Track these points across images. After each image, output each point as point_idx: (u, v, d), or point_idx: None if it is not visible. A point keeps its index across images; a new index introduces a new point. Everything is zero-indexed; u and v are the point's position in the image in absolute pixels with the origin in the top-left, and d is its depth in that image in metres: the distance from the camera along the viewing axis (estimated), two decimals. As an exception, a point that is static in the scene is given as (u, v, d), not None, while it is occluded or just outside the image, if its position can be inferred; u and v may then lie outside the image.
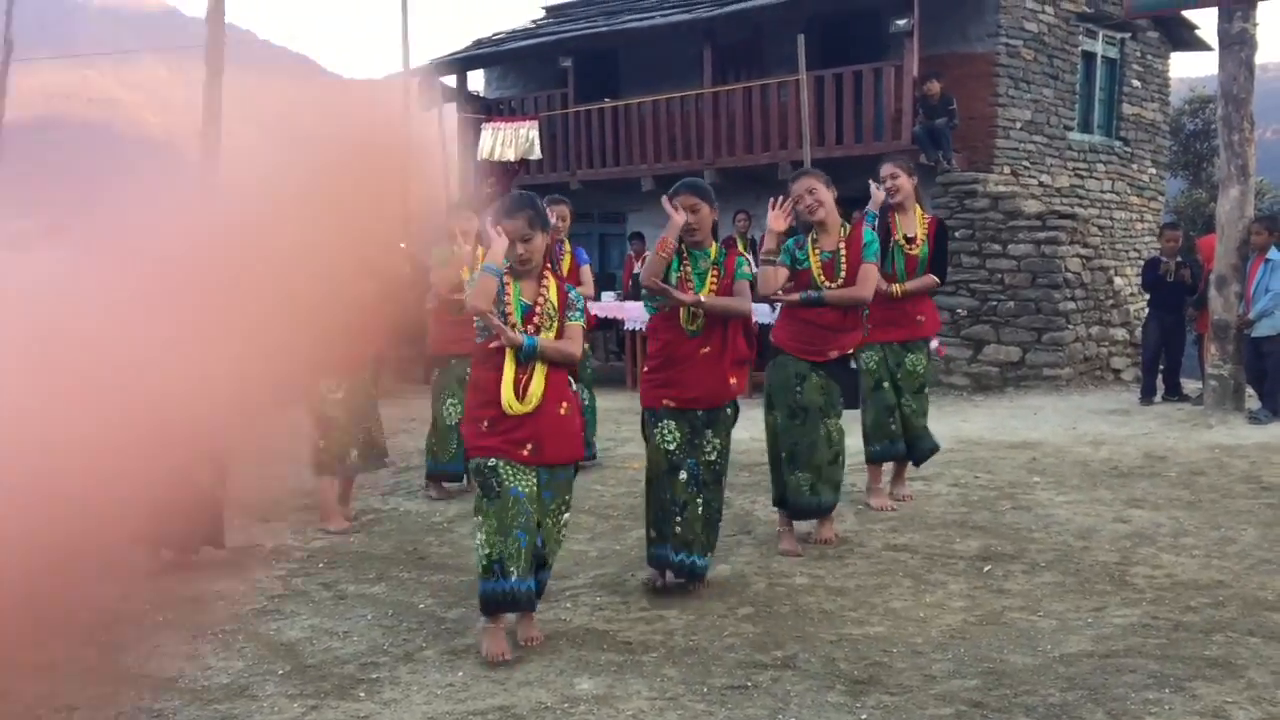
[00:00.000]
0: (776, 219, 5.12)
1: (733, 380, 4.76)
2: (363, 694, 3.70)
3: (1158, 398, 10.36)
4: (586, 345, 7.11)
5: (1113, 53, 15.21)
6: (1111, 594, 4.63)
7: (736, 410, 4.87)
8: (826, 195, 5.38)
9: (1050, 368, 11.46)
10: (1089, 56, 14.81)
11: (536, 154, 14.19)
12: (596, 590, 4.83)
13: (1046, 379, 11.42)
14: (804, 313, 5.38)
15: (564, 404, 4.14)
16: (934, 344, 6.49)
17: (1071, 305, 11.73)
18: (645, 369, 4.90)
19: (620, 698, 3.62)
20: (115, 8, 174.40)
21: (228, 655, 4.10)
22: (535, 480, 4.08)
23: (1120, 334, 12.49)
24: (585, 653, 4.04)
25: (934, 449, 6.48)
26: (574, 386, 4.27)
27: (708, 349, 4.71)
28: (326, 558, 5.45)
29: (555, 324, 4.15)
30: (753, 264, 4.93)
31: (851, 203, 6.35)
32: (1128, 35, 15.28)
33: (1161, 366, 10.55)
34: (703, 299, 4.69)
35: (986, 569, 5.02)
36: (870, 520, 5.99)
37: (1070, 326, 11.63)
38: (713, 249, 4.84)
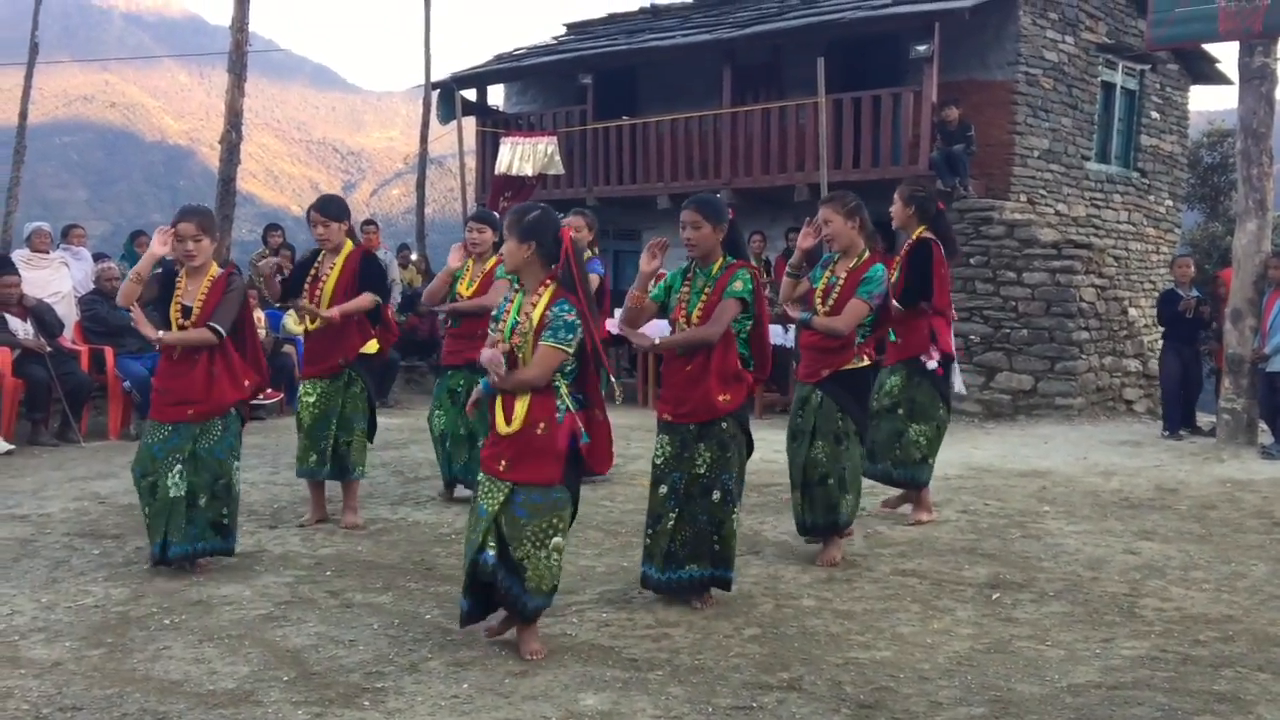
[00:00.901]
0: (804, 236, 5.47)
1: (722, 397, 4.72)
2: (367, 703, 3.70)
3: (1182, 430, 10.31)
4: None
5: (1132, 84, 15.22)
6: (1120, 625, 4.61)
7: (738, 426, 4.80)
8: (840, 226, 5.52)
9: (1062, 397, 11.43)
10: (1108, 87, 14.83)
11: (556, 169, 14.22)
12: (603, 606, 4.82)
13: (1058, 408, 11.39)
14: (802, 337, 5.66)
15: (541, 424, 4.06)
16: (929, 363, 6.42)
17: (1085, 335, 11.71)
18: (659, 387, 5.02)
19: (625, 715, 3.61)
20: (139, 14, 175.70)
21: (234, 660, 4.10)
22: (503, 498, 4.07)
23: (1133, 365, 12.46)
24: (590, 668, 4.03)
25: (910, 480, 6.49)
26: (563, 406, 4.11)
27: (690, 366, 4.77)
28: (334, 565, 5.45)
29: (529, 344, 4.10)
30: (758, 280, 4.87)
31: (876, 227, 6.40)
32: (1148, 67, 15.29)
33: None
34: (658, 341, 4.87)
35: (995, 597, 5.00)
36: (879, 544, 5.98)
37: (1083, 356, 11.61)
38: (716, 265, 4.84)
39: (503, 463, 4.08)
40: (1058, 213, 13.81)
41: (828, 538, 5.59)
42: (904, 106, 12.86)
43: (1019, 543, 6.05)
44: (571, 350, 4.07)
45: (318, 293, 6.20)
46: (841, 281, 5.50)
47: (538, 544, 4.07)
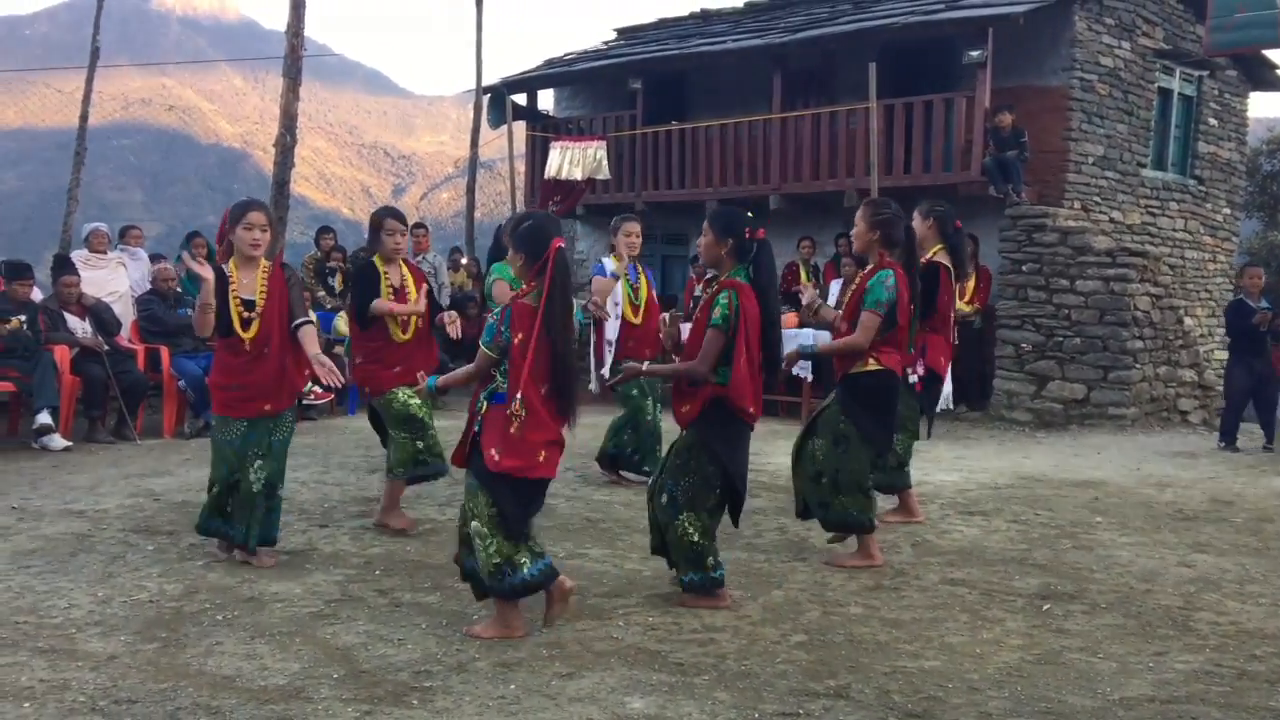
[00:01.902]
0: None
1: (683, 408, 4.89)
2: (415, 701, 3.72)
3: (1239, 443, 10.11)
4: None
5: (1190, 90, 15.00)
6: (1174, 639, 4.55)
7: (697, 438, 4.83)
8: (860, 230, 5.72)
9: (1115, 407, 11.28)
10: (1165, 93, 14.62)
11: (605, 173, 14.27)
12: (649, 610, 4.82)
13: (1111, 418, 11.24)
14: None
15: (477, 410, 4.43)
16: (911, 376, 6.41)
17: (1139, 344, 11.54)
18: None
19: (671, 719, 3.61)
20: (195, 19, 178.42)
21: (285, 657, 4.14)
22: None
23: (1189, 375, 12.27)
24: (637, 672, 4.04)
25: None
26: (483, 401, 4.40)
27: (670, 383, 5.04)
28: (382, 565, 5.50)
29: None
30: (732, 306, 4.73)
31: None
32: (1206, 73, 15.07)
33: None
34: (644, 368, 5.20)
35: (1046, 607, 4.95)
36: (927, 553, 5.94)
37: (1137, 366, 11.45)
38: (722, 278, 4.85)
39: None
40: (1112, 220, 13.63)
41: (842, 536, 5.79)
42: (956, 112, 12.76)
43: (1070, 553, 5.98)
44: (493, 352, 4.35)
45: (408, 302, 6.27)
46: (854, 288, 5.72)
47: (464, 523, 4.49)
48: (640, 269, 7.82)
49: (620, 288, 7.57)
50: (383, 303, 6.17)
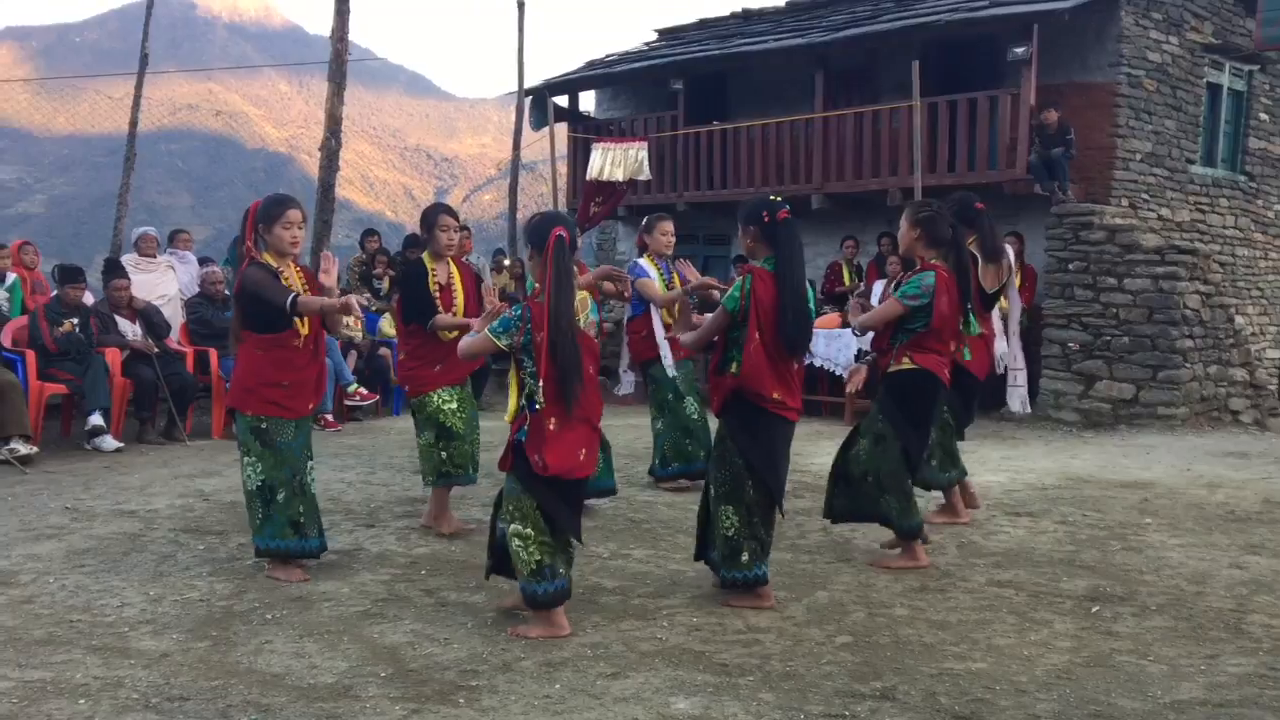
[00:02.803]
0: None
1: (713, 398, 4.97)
2: (462, 700, 3.75)
3: None
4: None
5: (1240, 85, 14.77)
6: (1226, 642, 4.48)
7: (729, 428, 4.86)
8: (903, 230, 5.75)
9: (1165, 406, 11.13)
10: (1214, 88, 14.40)
11: (646, 174, 14.26)
12: (693, 610, 4.82)
13: (1161, 418, 11.09)
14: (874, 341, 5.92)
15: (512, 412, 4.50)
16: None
17: (1189, 343, 11.38)
18: None
19: (716, 719, 3.61)
20: (241, 25, 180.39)
21: (333, 655, 4.19)
22: None
23: (1240, 374, 12.08)
24: (682, 672, 4.04)
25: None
26: (522, 404, 4.43)
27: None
28: (428, 565, 5.54)
29: None
30: (743, 290, 4.77)
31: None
32: (1256, 67, 14.83)
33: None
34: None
35: (1094, 609, 4.90)
36: (974, 555, 5.89)
37: (1187, 365, 11.28)
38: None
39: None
40: (1160, 217, 13.45)
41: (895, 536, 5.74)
42: (1001, 109, 12.64)
43: (1119, 555, 5.91)
44: (501, 342, 4.34)
45: (454, 301, 6.21)
46: (895, 285, 5.80)
47: (506, 522, 4.49)
48: (674, 268, 7.75)
49: (658, 287, 7.52)
50: (445, 317, 6.09)
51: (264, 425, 5.23)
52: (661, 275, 7.58)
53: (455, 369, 6.15)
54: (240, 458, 5.36)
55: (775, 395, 4.75)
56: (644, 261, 7.59)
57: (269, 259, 5.30)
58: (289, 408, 5.27)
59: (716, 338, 4.98)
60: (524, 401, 4.40)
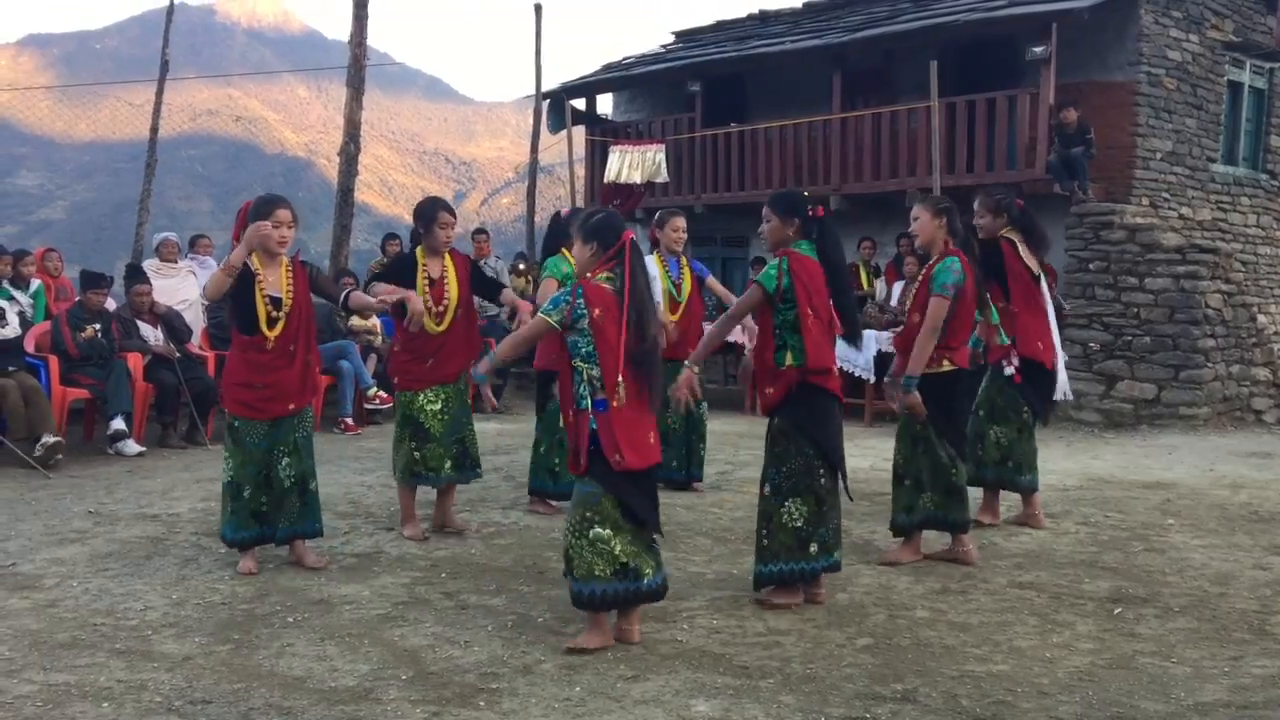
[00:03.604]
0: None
1: (767, 390, 4.92)
2: (482, 703, 3.76)
3: None
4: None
5: (1261, 83, 14.68)
6: (1250, 643, 4.45)
7: (791, 422, 4.85)
8: (926, 222, 5.64)
9: (1187, 406, 11.06)
10: (1235, 86, 14.32)
11: (664, 176, 14.28)
12: (713, 612, 4.82)
13: (1183, 418, 11.02)
14: (895, 341, 5.94)
15: (570, 414, 4.38)
16: (1007, 369, 6.45)
17: (1211, 343, 11.31)
18: None
19: (736, 722, 3.61)
20: (260, 30, 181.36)
21: (354, 658, 4.20)
22: None
23: (1263, 374, 11.99)
24: (702, 675, 4.04)
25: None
26: (585, 401, 4.28)
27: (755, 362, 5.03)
28: (449, 568, 5.56)
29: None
30: (781, 269, 4.84)
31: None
32: (1277, 65, 14.73)
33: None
34: (695, 370, 4.99)
35: (1117, 611, 4.87)
36: (994, 556, 5.87)
37: (1209, 365, 11.21)
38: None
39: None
40: (1181, 216, 13.37)
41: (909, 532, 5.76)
42: (1020, 109, 12.59)
43: (1141, 556, 5.88)
44: (552, 319, 4.26)
45: (445, 295, 6.05)
46: (920, 278, 5.71)
47: (577, 534, 4.27)
48: (684, 264, 7.69)
49: (660, 285, 7.37)
50: (360, 295, 5.88)
51: (236, 424, 5.42)
52: (668, 273, 7.52)
53: (448, 365, 6.06)
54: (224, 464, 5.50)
55: (834, 369, 4.91)
56: (650, 260, 7.48)
57: (255, 259, 5.33)
58: (260, 409, 5.36)
59: (751, 339, 5.02)
60: (581, 397, 4.27)
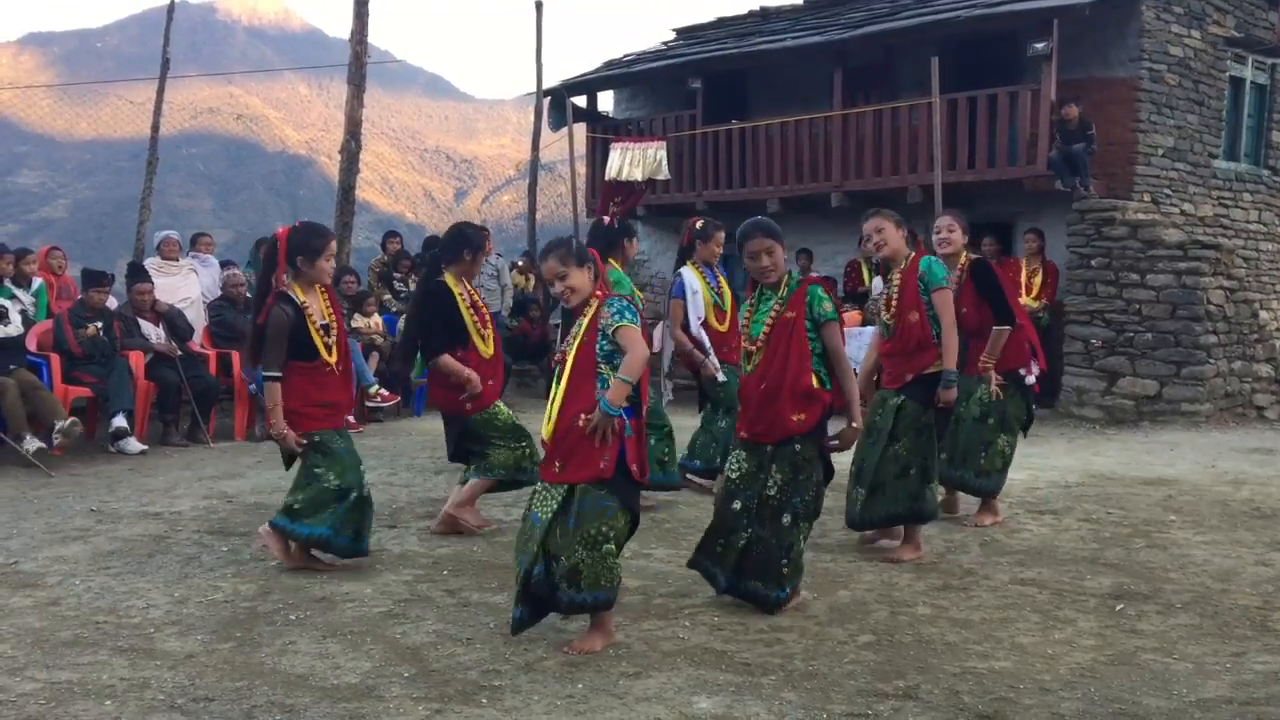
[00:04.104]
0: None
1: (796, 416, 4.69)
2: (485, 700, 3.76)
3: None
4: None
5: (1263, 79, 14.66)
6: (1252, 639, 4.45)
7: (814, 448, 4.75)
8: (893, 234, 5.76)
9: (1189, 403, 11.06)
10: (1237, 82, 14.30)
11: (665, 174, 14.26)
12: (715, 609, 4.82)
13: (1184, 414, 11.02)
14: (884, 345, 5.83)
15: (583, 415, 4.18)
16: (1029, 378, 6.66)
17: (1213, 339, 11.30)
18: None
19: (738, 719, 3.61)
20: (261, 28, 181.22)
21: (356, 656, 4.21)
22: (557, 505, 4.22)
23: (1265, 370, 11.99)
24: (704, 672, 4.04)
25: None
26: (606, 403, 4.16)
27: (764, 385, 4.74)
28: (450, 565, 5.56)
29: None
30: (832, 294, 4.95)
31: (986, 228, 6.43)
32: (1279, 61, 14.71)
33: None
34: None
35: (1119, 608, 4.87)
36: (996, 553, 5.87)
37: (1211, 361, 11.21)
38: (783, 284, 4.83)
39: (557, 464, 4.26)
40: (1183, 213, 13.36)
41: (909, 529, 5.76)
42: (1021, 105, 12.58)
43: (1143, 552, 5.88)
44: (637, 323, 4.23)
45: (485, 318, 6.30)
46: (898, 284, 5.71)
47: (590, 547, 4.16)
48: (718, 273, 7.61)
49: (703, 296, 7.30)
50: (452, 362, 5.95)
51: (318, 438, 5.38)
52: (708, 284, 7.38)
53: (496, 387, 6.22)
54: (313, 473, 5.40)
55: None
56: (688, 272, 7.39)
57: (298, 291, 5.36)
58: (328, 423, 5.44)
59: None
60: (622, 413, 4.20)
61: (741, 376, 4.96)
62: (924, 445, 5.69)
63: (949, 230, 6.36)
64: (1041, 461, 8.83)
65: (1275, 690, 3.87)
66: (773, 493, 4.72)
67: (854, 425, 4.85)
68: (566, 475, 4.22)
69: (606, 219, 7.82)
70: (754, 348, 4.82)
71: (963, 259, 6.35)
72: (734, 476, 4.82)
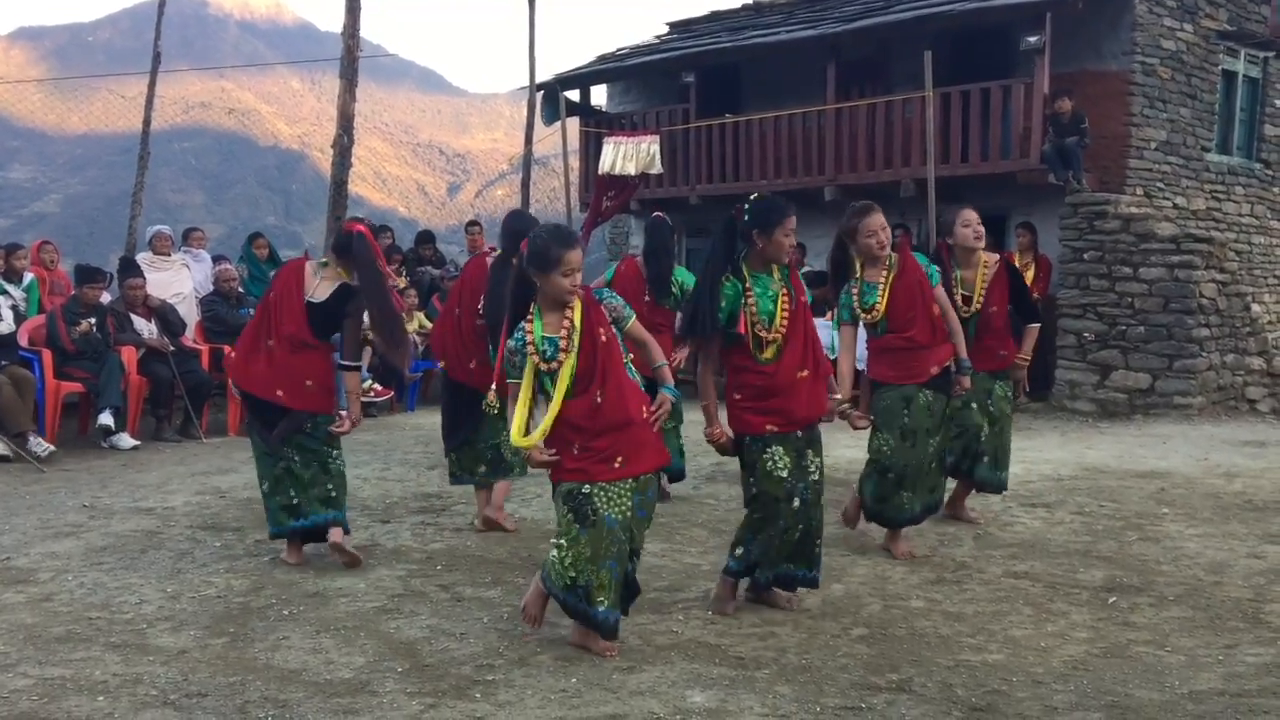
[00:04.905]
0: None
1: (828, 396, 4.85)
2: (478, 695, 3.76)
3: None
4: None
5: (1255, 72, 14.67)
6: (1244, 632, 4.46)
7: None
8: (881, 227, 5.73)
9: (1181, 396, 11.08)
10: (1229, 76, 14.31)
11: (658, 168, 14.25)
12: (709, 604, 4.82)
13: (1177, 407, 11.04)
14: (895, 340, 5.56)
15: (643, 408, 4.21)
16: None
17: (1205, 332, 11.33)
18: (738, 397, 4.72)
19: (732, 713, 3.62)
20: (253, 22, 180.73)
21: (350, 651, 4.20)
22: (630, 500, 4.12)
23: (1257, 363, 12.02)
24: (698, 666, 4.04)
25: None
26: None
27: (805, 372, 4.66)
28: (444, 560, 5.56)
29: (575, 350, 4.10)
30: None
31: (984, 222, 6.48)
32: (1272, 54, 14.72)
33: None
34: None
35: (1111, 600, 4.88)
36: (989, 546, 5.88)
37: (1204, 354, 11.23)
38: (775, 272, 4.73)
39: (618, 461, 4.10)
40: (1176, 206, 13.38)
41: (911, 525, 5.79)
42: (1014, 99, 12.59)
43: (1136, 545, 5.89)
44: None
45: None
46: (884, 284, 5.57)
47: (632, 554, 4.28)
48: None
49: None
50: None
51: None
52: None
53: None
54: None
55: None
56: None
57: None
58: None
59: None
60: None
61: (766, 368, 4.66)
62: (946, 436, 5.78)
63: (979, 224, 6.30)
64: (1034, 455, 8.84)
65: (1267, 682, 3.89)
66: (816, 476, 4.67)
67: (836, 397, 4.94)
68: (631, 469, 4.11)
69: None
70: (775, 336, 4.64)
71: (986, 257, 6.35)
72: (784, 475, 4.58)
